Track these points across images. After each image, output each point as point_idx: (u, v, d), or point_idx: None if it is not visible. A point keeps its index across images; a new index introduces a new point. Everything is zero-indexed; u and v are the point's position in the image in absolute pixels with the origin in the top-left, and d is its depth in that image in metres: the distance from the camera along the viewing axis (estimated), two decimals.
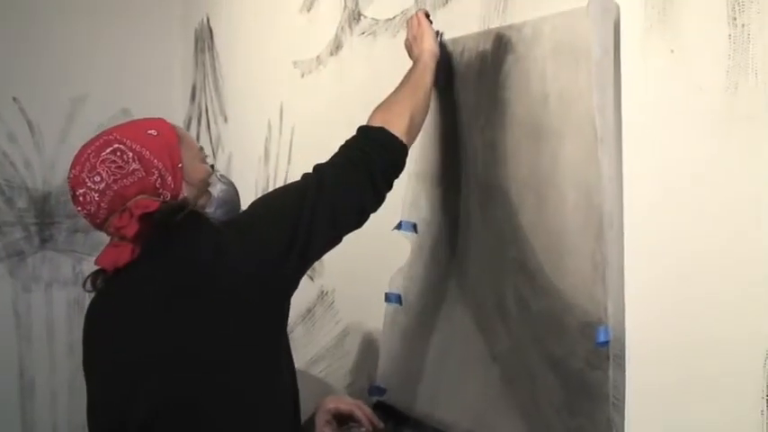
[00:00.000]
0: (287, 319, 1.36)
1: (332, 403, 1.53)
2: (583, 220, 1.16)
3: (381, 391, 1.71)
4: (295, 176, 2.37)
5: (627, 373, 1.14)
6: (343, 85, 2.06)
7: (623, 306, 1.14)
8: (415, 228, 1.65)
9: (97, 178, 1.29)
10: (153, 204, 1.28)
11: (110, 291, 1.35)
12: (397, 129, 1.39)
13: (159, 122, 1.39)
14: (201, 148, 1.45)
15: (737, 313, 0.99)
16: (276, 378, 1.33)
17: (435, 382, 1.57)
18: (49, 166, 3.20)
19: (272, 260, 1.27)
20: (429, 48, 1.51)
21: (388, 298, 1.70)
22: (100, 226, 1.34)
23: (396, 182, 1.42)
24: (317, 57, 2.19)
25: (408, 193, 1.66)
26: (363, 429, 1.53)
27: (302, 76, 2.29)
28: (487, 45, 1.42)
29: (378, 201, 1.38)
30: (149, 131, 1.35)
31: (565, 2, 1.22)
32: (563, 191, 1.20)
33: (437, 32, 1.59)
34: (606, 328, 1.13)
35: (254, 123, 2.63)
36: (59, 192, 3.19)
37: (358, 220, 1.37)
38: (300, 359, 2.25)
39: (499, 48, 1.39)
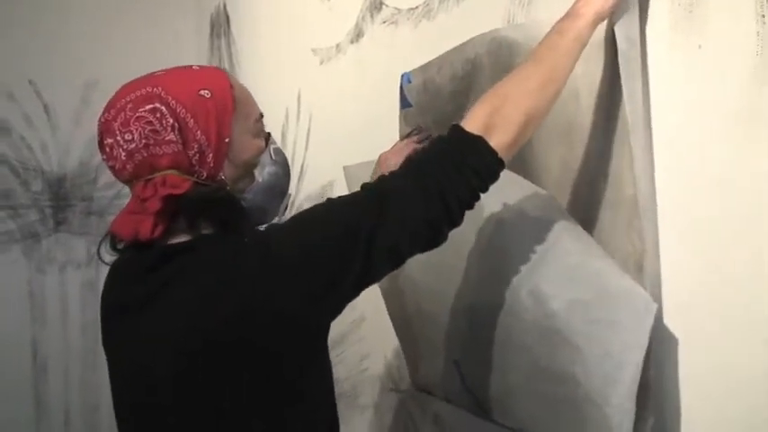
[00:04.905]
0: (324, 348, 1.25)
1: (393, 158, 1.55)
2: (615, 213, 1.18)
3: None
4: (312, 164, 2.42)
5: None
6: (363, 73, 2.07)
7: (660, 298, 1.16)
8: None
9: (128, 136, 1.13)
10: (183, 185, 1.14)
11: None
12: (500, 141, 1.12)
13: (218, 79, 1.20)
14: (261, 117, 1.26)
15: None
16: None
17: None
18: (64, 149, 3.22)
19: (315, 298, 1.11)
20: (600, 9, 1.16)
21: None
22: (123, 181, 1.20)
23: None
24: (337, 45, 2.20)
25: None
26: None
27: (321, 63, 2.30)
28: (482, 49, 1.40)
29: (452, 224, 1.15)
30: (202, 91, 1.15)
31: None
32: (596, 184, 1.21)
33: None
34: None
35: (272, 110, 2.63)
36: (74, 175, 3.22)
37: (430, 245, 1.15)
38: None
39: (508, 52, 1.35)
